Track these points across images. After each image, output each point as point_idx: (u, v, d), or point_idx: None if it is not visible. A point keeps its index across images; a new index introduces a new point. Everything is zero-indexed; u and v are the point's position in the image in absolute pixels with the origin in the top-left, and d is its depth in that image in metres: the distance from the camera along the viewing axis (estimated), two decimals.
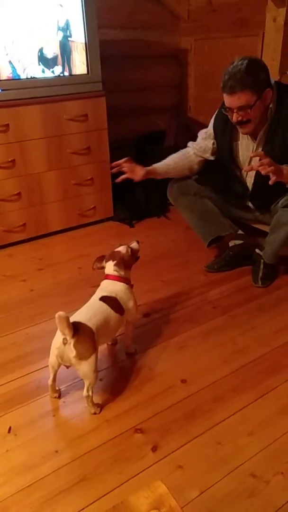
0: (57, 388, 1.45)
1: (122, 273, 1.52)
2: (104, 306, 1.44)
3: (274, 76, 2.45)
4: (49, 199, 2.58)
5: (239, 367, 1.56)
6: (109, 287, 1.52)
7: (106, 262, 1.55)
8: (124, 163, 1.99)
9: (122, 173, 2.01)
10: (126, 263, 1.54)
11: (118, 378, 1.54)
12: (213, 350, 1.66)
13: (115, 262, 1.53)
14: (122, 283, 1.52)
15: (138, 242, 1.62)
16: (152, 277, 2.17)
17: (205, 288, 2.07)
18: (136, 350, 1.66)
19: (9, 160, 2.36)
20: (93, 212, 2.78)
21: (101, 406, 1.41)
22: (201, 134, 2.09)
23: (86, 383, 1.34)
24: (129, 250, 1.57)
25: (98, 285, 1.54)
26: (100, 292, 1.50)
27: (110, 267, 1.53)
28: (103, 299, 1.46)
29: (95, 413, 1.39)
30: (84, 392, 1.35)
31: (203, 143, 2.06)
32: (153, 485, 0.69)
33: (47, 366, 1.38)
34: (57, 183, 2.56)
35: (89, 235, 2.70)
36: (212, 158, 2.07)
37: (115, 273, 1.52)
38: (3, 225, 2.48)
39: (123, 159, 2.00)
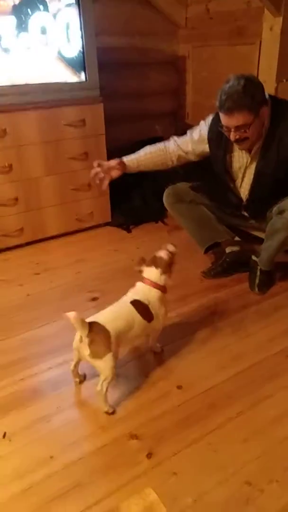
0: (80, 373, 1.45)
1: (170, 282, 1.50)
2: (131, 310, 1.43)
3: (271, 84, 2.48)
4: (46, 204, 2.58)
5: (235, 373, 1.56)
6: (143, 292, 1.49)
7: (147, 266, 1.52)
8: (97, 171, 1.98)
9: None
10: (171, 269, 1.52)
11: (113, 384, 1.54)
12: (209, 356, 1.66)
13: (160, 270, 1.49)
14: (157, 290, 1.50)
15: (174, 245, 1.56)
16: None
17: (202, 294, 2.07)
18: (163, 349, 1.66)
19: (6, 164, 2.36)
20: (91, 217, 2.78)
21: (114, 408, 1.38)
22: (192, 135, 2.03)
23: (102, 377, 1.32)
24: (170, 255, 1.53)
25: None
26: (133, 295, 1.48)
27: (151, 273, 1.50)
28: (134, 303, 1.44)
29: (107, 412, 1.36)
30: (98, 386, 1.32)
31: (194, 146, 2.01)
32: (144, 492, 0.69)
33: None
34: (55, 188, 2.57)
35: (86, 240, 2.70)
36: (195, 160, 2.06)
37: (154, 280, 1.49)
38: (0, 229, 2.48)
39: (93, 169, 1.98)
